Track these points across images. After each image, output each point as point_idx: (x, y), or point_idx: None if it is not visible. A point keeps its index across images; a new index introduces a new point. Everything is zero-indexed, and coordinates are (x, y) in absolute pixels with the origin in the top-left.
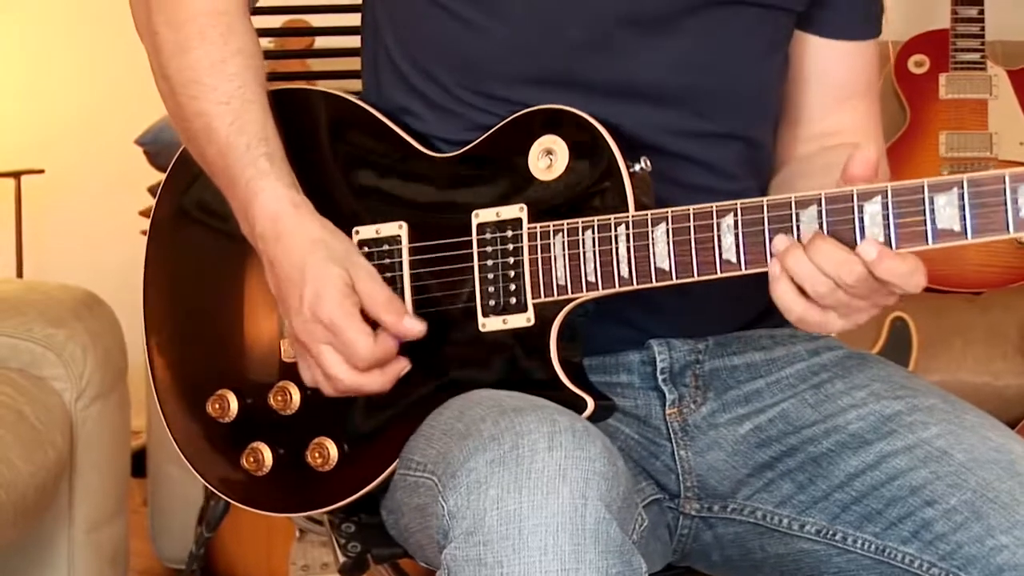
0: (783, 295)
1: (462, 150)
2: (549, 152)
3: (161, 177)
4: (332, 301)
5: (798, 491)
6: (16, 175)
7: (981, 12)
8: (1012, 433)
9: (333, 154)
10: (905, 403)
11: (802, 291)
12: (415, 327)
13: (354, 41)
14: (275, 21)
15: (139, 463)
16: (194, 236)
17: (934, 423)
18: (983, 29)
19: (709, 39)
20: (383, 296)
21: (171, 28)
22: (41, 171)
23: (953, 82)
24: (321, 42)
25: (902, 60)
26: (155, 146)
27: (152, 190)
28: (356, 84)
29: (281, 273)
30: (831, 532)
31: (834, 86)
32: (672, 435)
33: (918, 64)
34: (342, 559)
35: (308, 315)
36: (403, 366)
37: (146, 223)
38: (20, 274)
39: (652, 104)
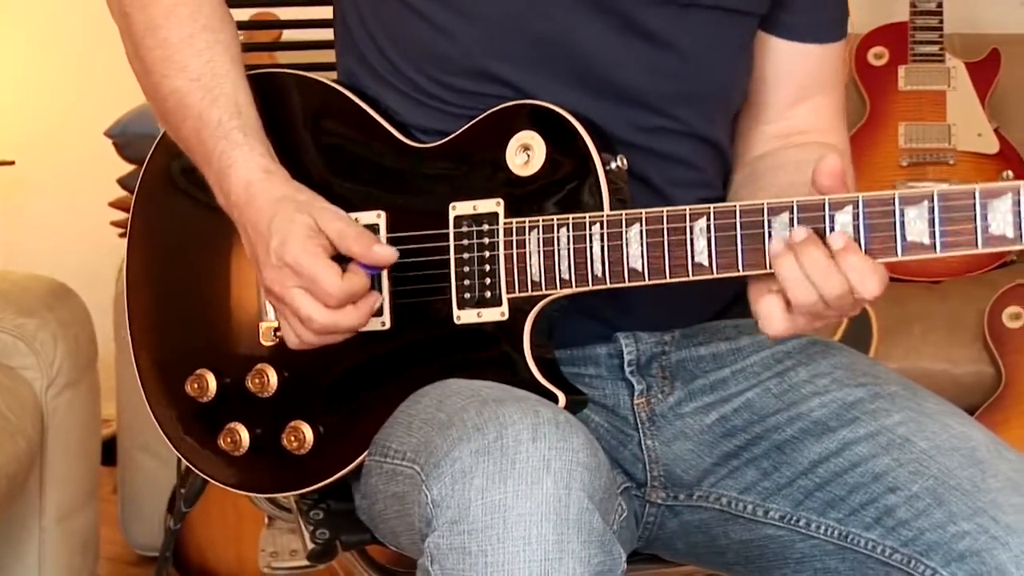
0: (770, 306)
1: (441, 141)
2: (526, 148)
3: (130, 168)
4: (296, 244)
5: (762, 478)
6: None
7: (939, 5)
8: (972, 420)
9: (313, 140)
10: (867, 390)
11: (786, 304)
12: (386, 252)
13: (322, 34)
14: (243, 15)
15: (109, 451)
16: (176, 218)
17: (896, 410)
18: (941, 22)
19: (675, 39)
20: (353, 230)
21: (140, 9)
22: (11, 163)
23: (912, 74)
24: (289, 35)
25: (861, 52)
26: (124, 138)
27: (121, 181)
28: (325, 77)
29: (253, 233)
30: (795, 518)
31: (801, 86)
32: (639, 425)
33: (877, 56)
34: (311, 545)
35: (276, 262)
36: (375, 300)
37: (115, 214)
38: None
39: (616, 100)
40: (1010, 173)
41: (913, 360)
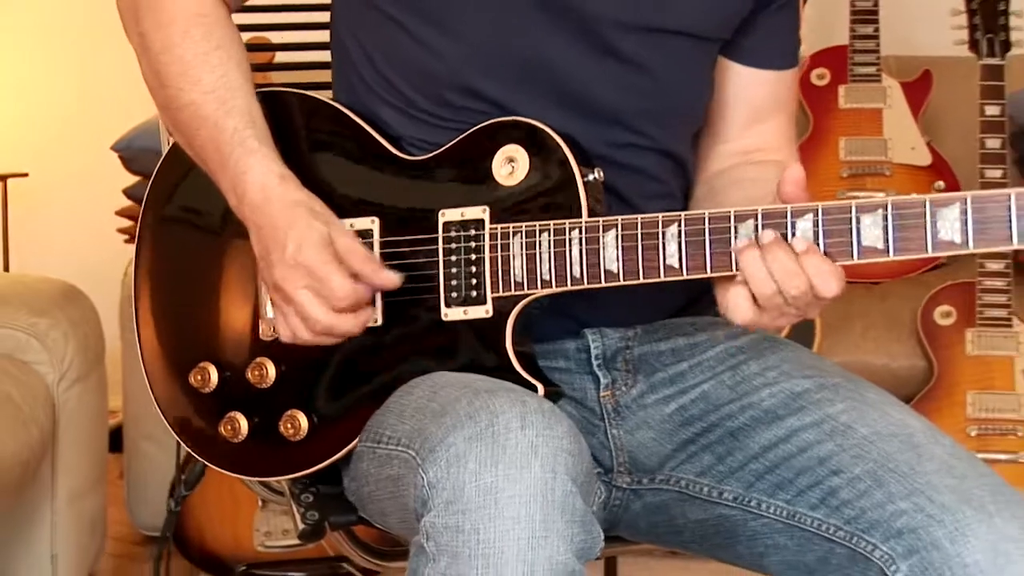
0: (737, 297)
1: (431, 154)
2: (511, 160)
3: (135, 180)
4: (313, 249)
5: (717, 462)
6: (3, 178)
7: (876, 30)
8: (909, 409)
9: (313, 152)
10: (813, 382)
11: (752, 296)
12: (391, 278)
13: (312, 56)
14: None
15: (116, 440)
16: (183, 223)
17: (839, 400)
18: (878, 45)
19: (646, 61)
20: (362, 251)
21: (157, 29)
22: (25, 174)
23: (851, 93)
24: (281, 57)
25: (805, 73)
26: (130, 152)
27: (127, 192)
28: (319, 95)
29: (267, 232)
30: (747, 499)
31: (756, 108)
32: (605, 415)
33: (820, 77)
34: (301, 526)
35: (290, 262)
36: (371, 312)
37: (122, 222)
38: (6, 268)
39: (591, 117)
40: (941, 184)
41: (854, 354)
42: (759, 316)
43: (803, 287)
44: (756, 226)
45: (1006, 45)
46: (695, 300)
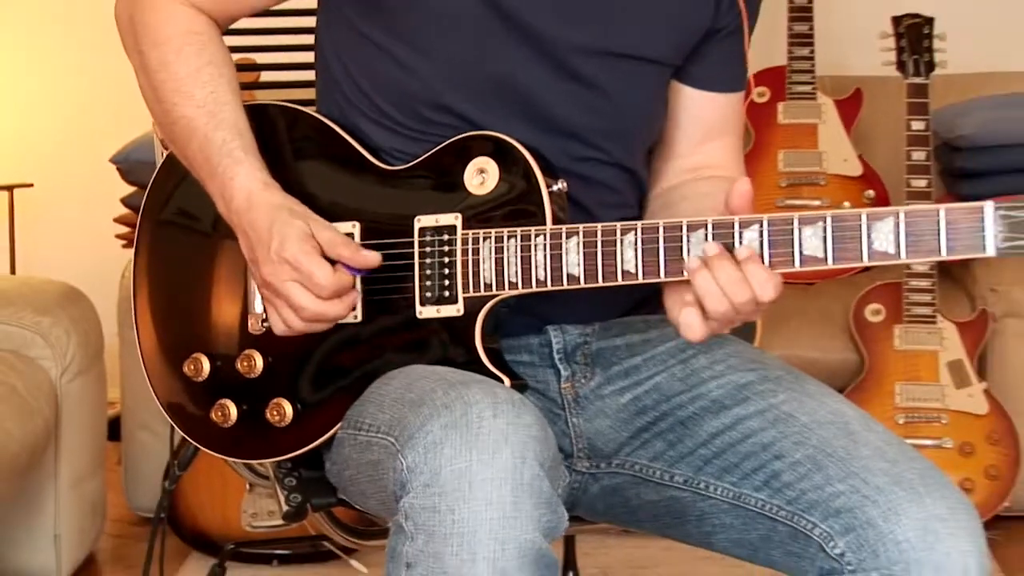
0: (688, 316)
1: (408, 164)
2: (482, 171)
3: (132, 190)
4: (294, 244)
5: (668, 448)
6: (9, 188)
7: (812, 52)
8: (845, 399)
9: (299, 161)
10: (757, 374)
11: (702, 311)
12: (371, 256)
13: (295, 76)
14: None
15: (114, 429)
16: (178, 227)
17: (781, 391)
18: (814, 66)
19: (604, 83)
20: (340, 238)
21: (154, 47)
22: (30, 185)
23: (789, 109)
24: (266, 76)
25: (747, 92)
26: (127, 164)
27: (124, 201)
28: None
29: (253, 235)
30: (696, 482)
31: (707, 128)
32: (566, 405)
33: (760, 95)
34: (285, 508)
35: (275, 258)
36: (356, 295)
37: (119, 228)
38: (13, 271)
39: (553, 133)
40: (871, 192)
41: (791, 349)
42: (709, 327)
43: (748, 294)
44: (706, 235)
45: (930, 65)
46: (648, 299)
